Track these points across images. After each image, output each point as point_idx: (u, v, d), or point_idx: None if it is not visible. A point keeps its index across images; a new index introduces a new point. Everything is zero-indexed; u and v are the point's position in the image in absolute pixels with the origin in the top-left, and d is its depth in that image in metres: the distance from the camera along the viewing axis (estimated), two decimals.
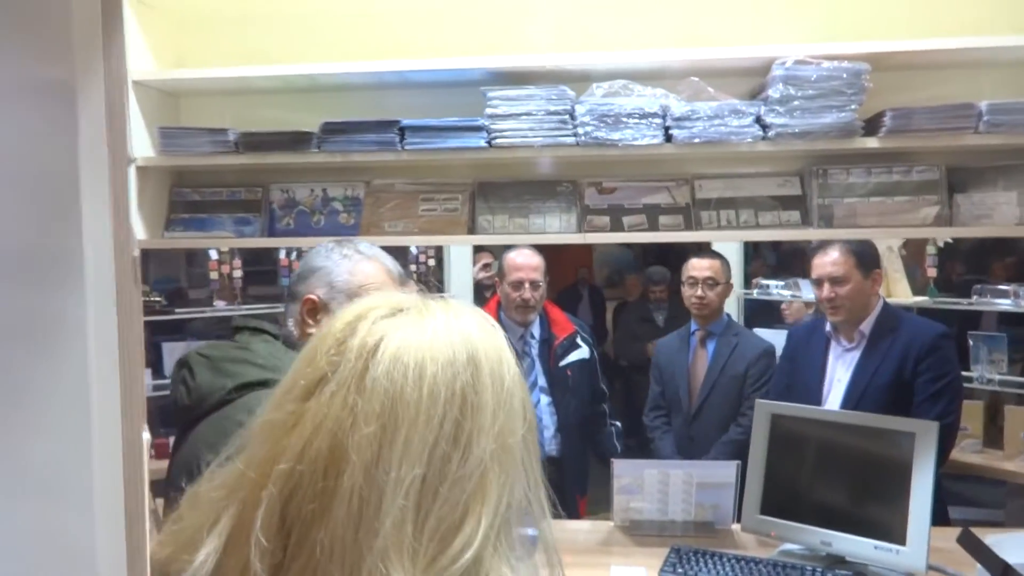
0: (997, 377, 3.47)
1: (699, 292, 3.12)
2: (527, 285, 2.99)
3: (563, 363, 3.09)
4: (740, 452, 2.90)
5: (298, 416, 0.71)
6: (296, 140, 2.09)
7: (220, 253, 3.55)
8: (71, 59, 0.98)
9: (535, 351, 3.09)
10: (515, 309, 3.02)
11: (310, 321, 1.57)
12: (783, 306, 4.28)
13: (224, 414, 1.41)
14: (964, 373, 3.57)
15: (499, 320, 3.08)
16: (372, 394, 0.69)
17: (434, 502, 0.67)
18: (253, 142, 2.10)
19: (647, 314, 5.29)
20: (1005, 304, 3.45)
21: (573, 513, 3.16)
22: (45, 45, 0.98)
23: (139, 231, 2.13)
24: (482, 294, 4.47)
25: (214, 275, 3.61)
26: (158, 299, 3.47)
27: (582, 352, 3.13)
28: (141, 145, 2.11)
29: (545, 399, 3.06)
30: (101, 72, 1.03)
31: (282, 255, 3.85)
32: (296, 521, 0.68)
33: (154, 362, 3.26)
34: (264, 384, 1.39)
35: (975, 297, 3.53)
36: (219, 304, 3.68)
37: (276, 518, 0.68)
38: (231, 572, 0.69)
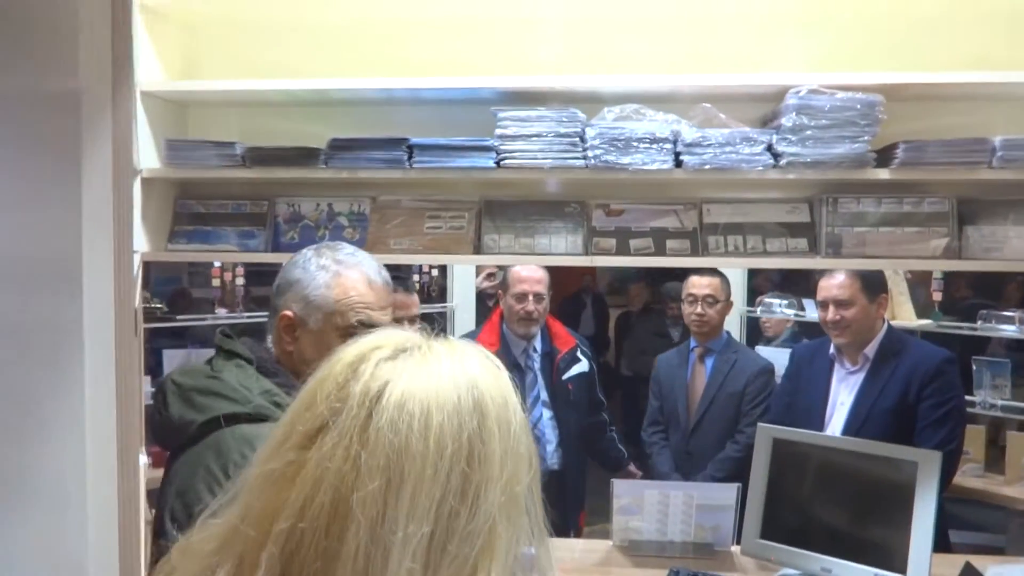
0: (1000, 402, 3.46)
1: (699, 309, 3.12)
2: (531, 298, 2.99)
3: (565, 377, 3.10)
4: (737, 469, 2.90)
5: (298, 467, 0.68)
6: (303, 156, 2.07)
7: (223, 261, 3.54)
8: (77, 70, 0.97)
9: (537, 365, 3.10)
10: (518, 322, 3.02)
11: (287, 338, 1.48)
12: (764, 321, 4.28)
13: (193, 456, 1.36)
14: (967, 397, 3.57)
15: (501, 333, 3.09)
16: (376, 446, 0.66)
17: (442, 560, 0.65)
18: (260, 156, 2.09)
19: (662, 329, 5.29)
20: (1010, 330, 3.44)
21: (573, 525, 3.17)
22: (52, 55, 0.96)
23: (142, 242, 2.11)
24: (484, 303, 4.46)
25: (216, 283, 3.59)
26: (159, 306, 3.46)
27: (582, 366, 3.15)
28: (147, 156, 2.10)
29: (547, 413, 3.06)
30: (110, 84, 1.02)
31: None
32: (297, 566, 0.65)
33: (153, 368, 3.24)
34: (233, 419, 1.34)
35: (980, 322, 3.53)
36: (221, 311, 3.67)
37: None
38: None
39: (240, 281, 3.66)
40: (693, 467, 3.09)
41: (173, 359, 3.32)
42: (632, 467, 3.34)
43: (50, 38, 0.99)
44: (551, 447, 3.05)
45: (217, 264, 3.57)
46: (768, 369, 3.15)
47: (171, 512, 1.33)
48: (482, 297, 4.47)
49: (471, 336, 3.22)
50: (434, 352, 0.73)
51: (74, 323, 0.99)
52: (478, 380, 0.71)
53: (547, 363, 3.10)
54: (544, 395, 3.08)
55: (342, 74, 2.10)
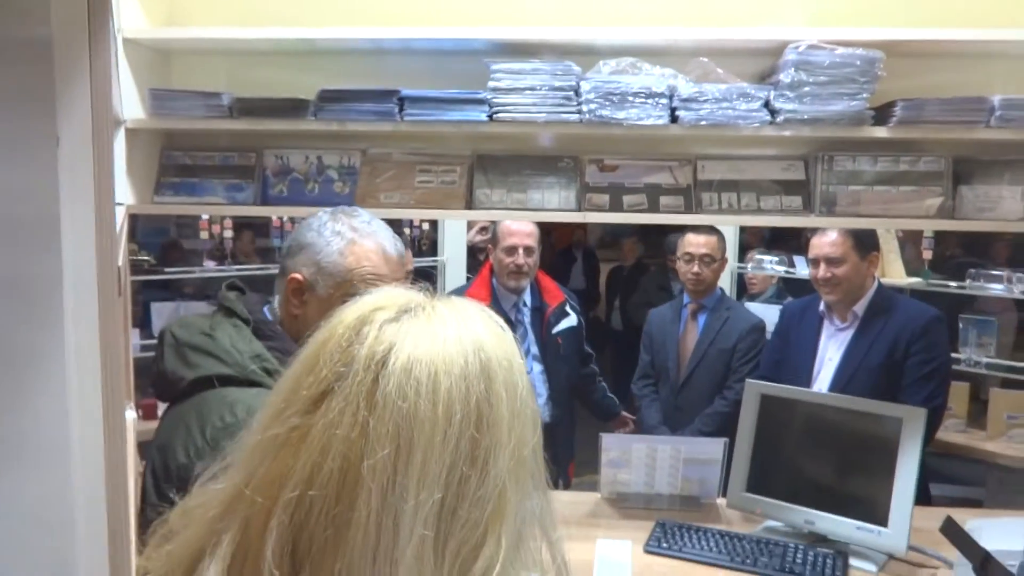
0: (984, 360, 3.50)
1: (696, 268, 3.13)
2: (521, 251, 2.98)
3: (554, 331, 3.12)
4: (724, 423, 2.95)
5: (303, 433, 0.67)
6: (292, 107, 2.03)
7: (210, 214, 3.50)
8: (49, 17, 0.93)
9: (527, 319, 3.11)
10: (508, 275, 3.01)
11: (295, 301, 1.46)
12: (749, 277, 4.31)
13: (177, 413, 1.36)
14: (952, 355, 3.61)
15: (491, 287, 3.09)
16: (384, 412, 0.65)
17: (453, 524, 0.65)
18: (248, 107, 2.04)
19: (665, 283, 5.30)
20: (998, 289, 3.46)
21: (563, 476, 3.23)
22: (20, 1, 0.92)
23: (128, 195, 2.08)
24: (476, 258, 4.44)
25: (204, 235, 3.55)
26: (146, 258, 3.42)
27: (571, 320, 3.18)
28: (131, 106, 2.05)
29: (538, 367, 3.08)
30: (87, 31, 0.98)
31: (274, 215, 3.78)
32: (308, 550, 0.65)
33: (142, 321, 3.23)
34: (227, 380, 1.33)
35: (969, 281, 3.54)
36: (209, 264, 3.64)
37: (288, 547, 0.65)
38: None
39: (228, 234, 3.62)
40: (681, 421, 3.13)
41: (162, 312, 3.30)
42: (624, 414, 3.39)
43: None
44: (541, 400, 3.08)
45: (205, 217, 3.53)
46: (759, 326, 3.17)
47: (152, 466, 1.34)
48: (473, 251, 4.45)
49: (460, 291, 3.21)
50: (438, 313, 0.72)
51: (54, 280, 0.97)
52: (484, 342, 0.70)
53: (537, 317, 3.11)
54: (535, 349, 3.09)
55: (332, 23, 2.05)
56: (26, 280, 0.94)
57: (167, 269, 3.58)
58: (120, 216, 1.74)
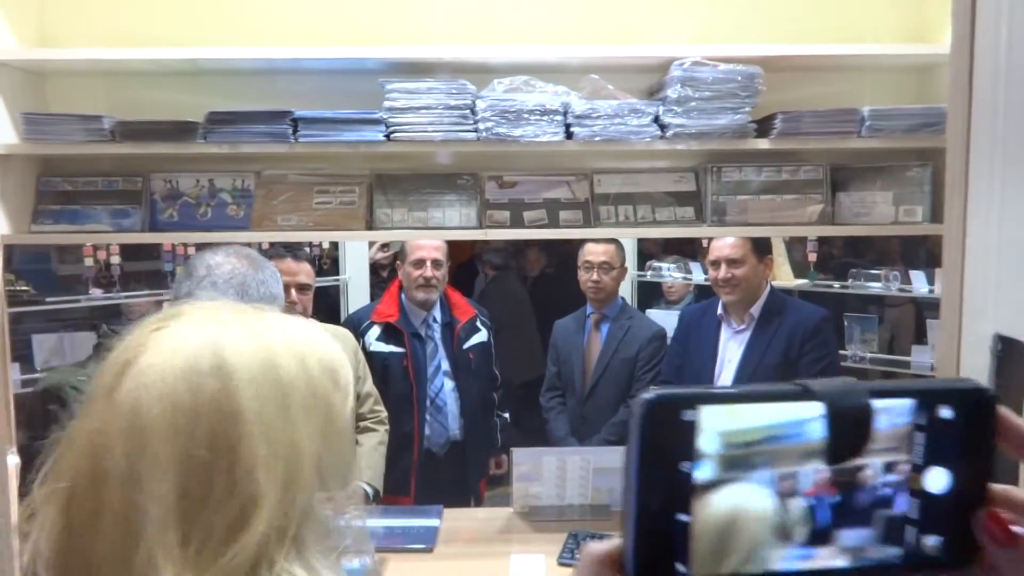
0: (868, 355, 3.71)
1: (595, 276, 3.15)
2: (429, 264, 2.94)
3: (465, 347, 3.10)
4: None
5: (71, 432, 0.72)
6: (180, 130, 1.96)
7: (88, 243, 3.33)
8: None
9: (438, 335, 3.08)
10: (417, 288, 2.97)
11: None
12: (667, 285, 4.43)
13: None
14: (840, 352, 3.81)
15: (400, 303, 3.05)
16: (119, 411, 0.69)
17: (202, 510, 0.67)
18: (132, 131, 1.96)
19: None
20: (876, 287, 3.68)
21: (475, 493, 3.19)
22: None
23: (2, 224, 1.96)
24: (379, 275, 4.39)
25: (89, 261, 3.37)
26: (25, 288, 3.21)
27: (481, 335, 3.16)
28: (3, 131, 1.93)
29: (449, 383, 3.05)
30: None
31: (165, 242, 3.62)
32: (75, 539, 0.69)
33: (23, 355, 3.03)
34: None
35: (851, 280, 3.76)
36: (95, 292, 3.45)
37: (62, 540, 0.69)
38: None
39: (116, 260, 3.45)
40: (588, 431, 3.16)
41: (44, 343, 3.10)
42: (494, 463, 3.30)
43: None
44: (453, 417, 3.05)
45: (89, 242, 3.35)
46: (660, 335, 3.23)
47: None
48: (376, 269, 4.40)
49: (367, 309, 3.16)
50: (191, 319, 0.75)
51: None
52: (223, 342, 0.73)
53: (447, 333, 3.09)
54: (445, 365, 3.06)
55: (217, 43, 1.99)
56: None
57: (48, 299, 3.37)
58: None
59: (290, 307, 2.52)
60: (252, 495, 0.68)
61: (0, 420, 0.97)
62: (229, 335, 0.74)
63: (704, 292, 4.29)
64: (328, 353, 0.78)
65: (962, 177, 0.94)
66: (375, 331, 2.98)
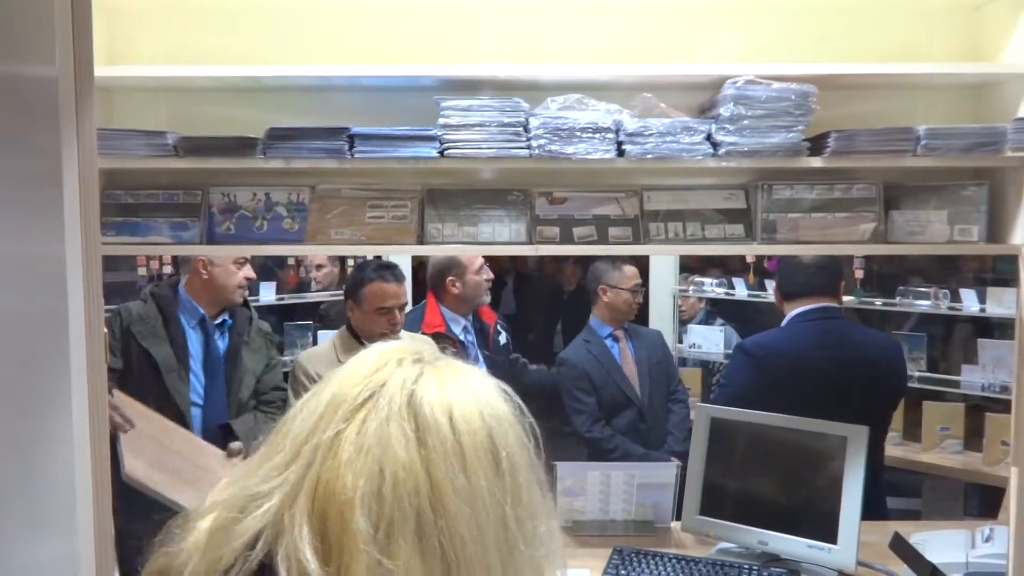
0: (916, 374, 3.65)
1: (638, 299, 3.49)
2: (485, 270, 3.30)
3: (498, 347, 3.39)
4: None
5: (341, 438, 0.80)
6: (241, 145, 2.01)
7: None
8: (55, 58, 0.92)
9: (474, 340, 3.24)
10: (484, 292, 3.32)
11: None
12: (679, 303, 4.53)
13: None
14: None
15: (441, 313, 3.16)
16: (430, 429, 0.80)
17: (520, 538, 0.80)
18: (194, 146, 2.01)
19: None
20: (925, 305, 3.62)
21: None
22: (30, 41, 0.91)
23: None
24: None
25: (142, 271, 3.46)
26: None
27: (503, 338, 3.44)
28: None
29: None
30: (72, 71, 0.98)
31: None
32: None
33: None
34: None
35: (898, 298, 3.70)
36: None
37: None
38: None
39: (167, 269, 3.53)
40: (651, 440, 3.30)
41: None
42: None
43: (26, 22, 0.94)
44: None
45: (149, 253, 3.44)
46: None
47: None
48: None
49: (414, 321, 3.25)
50: (451, 367, 0.87)
51: (60, 324, 0.97)
52: (491, 398, 0.86)
53: (481, 338, 3.25)
54: (485, 367, 3.18)
55: (277, 60, 2.04)
56: (32, 323, 0.92)
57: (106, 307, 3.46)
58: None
59: (392, 327, 2.68)
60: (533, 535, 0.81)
61: (106, 429, 1.02)
62: (487, 389, 0.86)
63: (721, 309, 4.35)
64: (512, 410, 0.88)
65: None
66: None
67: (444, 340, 3.10)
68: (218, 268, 2.88)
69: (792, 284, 2.82)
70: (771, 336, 2.88)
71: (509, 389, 0.88)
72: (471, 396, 0.83)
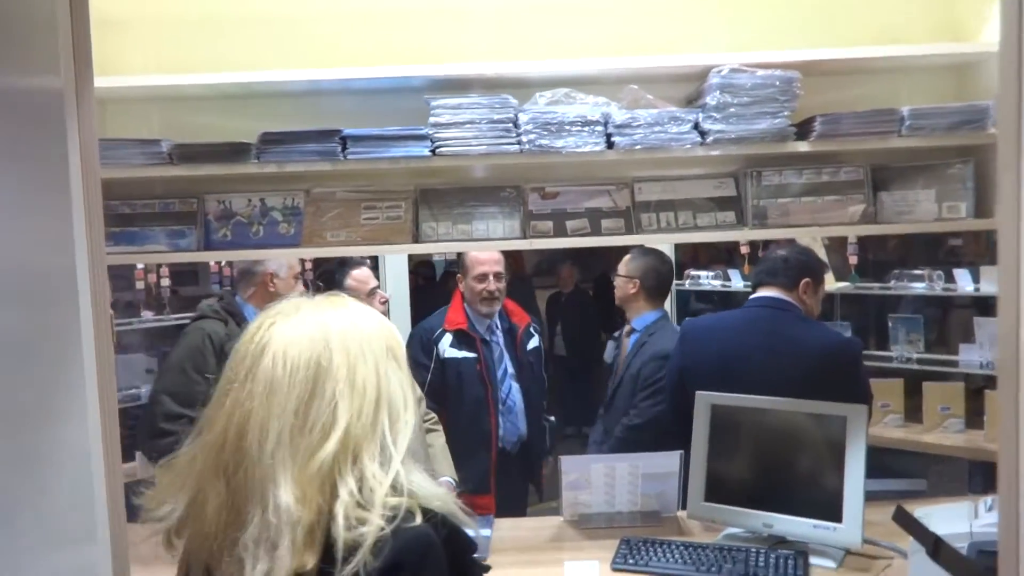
0: (915, 356, 3.66)
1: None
2: (491, 277, 3.08)
3: (528, 350, 3.25)
4: (633, 435, 2.93)
5: (219, 399, 1.10)
6: (234, 151, 2.03)
7: (147, 263, 3.43)
8: (59, 68, 0.94)
9: (501, 340, 3.19)
10: (481, 302, 3.10)
11: None
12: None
13: None
14: (885, 353, 3.78)
15: (465, 312, 3.14)
16: (258, 379, 1.06)
17: (305, 426, 1.04)
18: (188, 153, 2.04)
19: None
20: (920, 288, 3.64)
21: (537, 479, 3.35)
22: (34, 52, 0.93)
23: None
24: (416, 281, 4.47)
25: (140, 284, 3.47)
26: None
27: (535, 341, 3.31)
28: None
29: (516, 385, 3.18)
30: (73, 82, 1.00)
31: (212, 261, 3.72)
32: (231, 461, 1.06)
33: None
34: None
35: (893, 282, 3.72)
36: (147, 315, 3.56)
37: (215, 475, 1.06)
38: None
39: (165, 283, 3.54)
40: (608, 439, 3.17)
41: None
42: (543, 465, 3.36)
43: (31, 34, 0.96)
44: (520, 416, 3.18)
45: (140, 265, 3.45)
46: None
47: None
48: (415, 276, 4.46)
49: (438, 318, 3.22)
50: (301, 311, 1.12)
51: (72, 334, 0.98)
52: (328, 322, 1.10)
53: (509, 339, 3.20)
54: (511, 368, 3.19)
55: (267, 66, 2.06)
56: (45, 335, 0.94)
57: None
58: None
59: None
60: (332, 417, 1.04)
61: (115, 437, 1.05)
62: (332, 315, 1.11)
63: (724, 299, 4.26)
64: (388, 322, 1.18)
65: (1015, 171, 0.95)
66: (448, 338, 3.11)
67: (464, 337, 3.09)
68: (281, 280, 2.92)
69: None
70: (711, 317, 2.95)
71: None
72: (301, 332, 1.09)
